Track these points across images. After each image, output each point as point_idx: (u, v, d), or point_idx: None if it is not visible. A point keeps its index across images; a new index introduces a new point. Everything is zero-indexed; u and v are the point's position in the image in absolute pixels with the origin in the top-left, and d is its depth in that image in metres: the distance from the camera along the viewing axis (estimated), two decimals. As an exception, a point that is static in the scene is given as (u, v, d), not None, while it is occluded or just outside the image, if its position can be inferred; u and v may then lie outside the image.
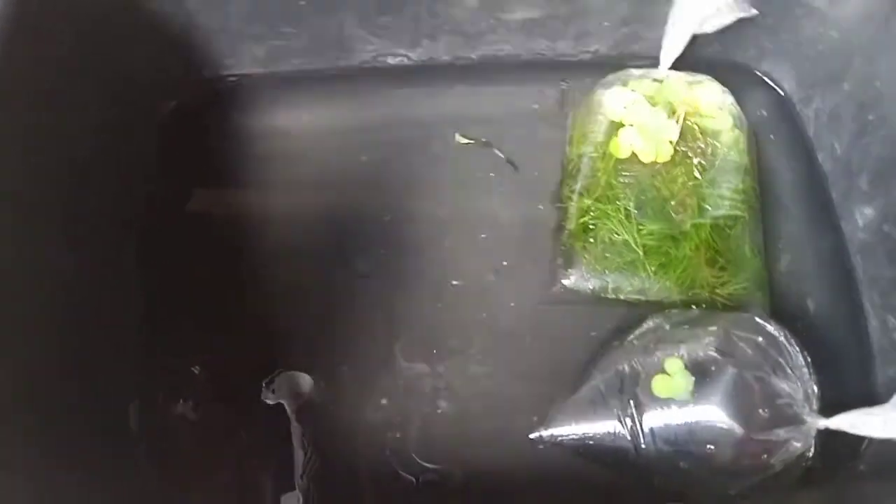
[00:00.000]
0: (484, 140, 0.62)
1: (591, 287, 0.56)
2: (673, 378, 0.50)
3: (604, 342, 0.55)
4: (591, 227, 0.57)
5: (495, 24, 0.60)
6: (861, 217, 0.56)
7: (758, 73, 0.65)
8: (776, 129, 0.63)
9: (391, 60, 0.63)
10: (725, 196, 0.57)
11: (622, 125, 0.58)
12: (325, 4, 0.56)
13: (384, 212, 0.60)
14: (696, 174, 0.57)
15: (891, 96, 0.53)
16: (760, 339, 0.50)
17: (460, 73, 0.64)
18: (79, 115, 0.51)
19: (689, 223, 0.56)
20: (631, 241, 0.56)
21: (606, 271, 0.56)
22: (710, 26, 0.57)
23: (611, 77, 0.60)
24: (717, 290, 0.56)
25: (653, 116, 0.58)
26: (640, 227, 0.56)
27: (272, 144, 0.62)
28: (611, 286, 0.56)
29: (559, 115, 0.63)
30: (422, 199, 0.61)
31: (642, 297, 0.56)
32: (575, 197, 0.58)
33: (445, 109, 0.63)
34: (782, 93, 0.64)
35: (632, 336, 0.54)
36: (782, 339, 0.50)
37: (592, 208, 0.58)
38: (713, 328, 0.51)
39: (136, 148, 0.59)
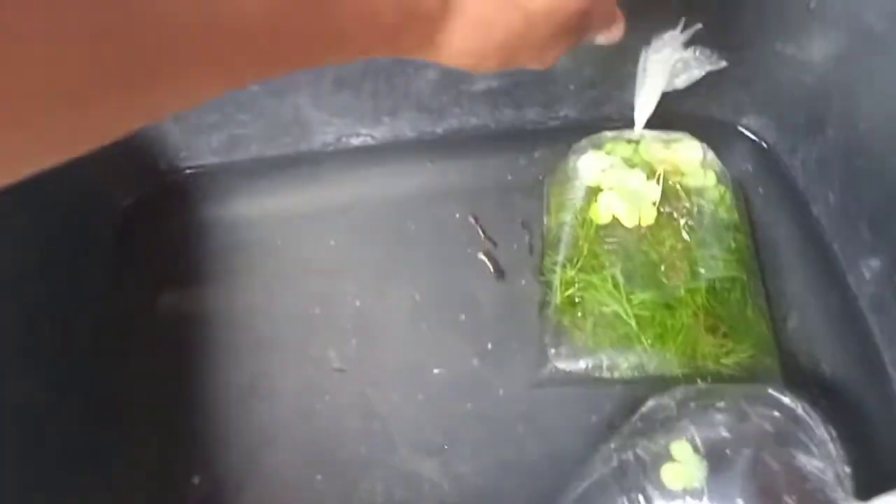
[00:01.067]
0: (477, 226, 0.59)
1: (584, 366, 0.52)
2: (683, 465, 0.44)
3: (604, 428, 0.50)
4: (577, 300, 0.53)
5: (458, 96, 0.57)
6: (868, 270, 0.52)
7: (737, 126, 0.62)
8: (764, 182, 0.60)
9: (354, 141, 0.60)
10: (718, 256, 0.53)
11: (600, 190, 0.55)
12: (278, 87, 0.54)
13: (355, 298, 0.56)
14: (685, 235, 0.54)
15: (878, 138, 0.50)
16: (777, 413, 0.44)
17: (428, 148, 0.61)
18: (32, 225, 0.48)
19: (683, 288, 0.52)
20: (622, 313, 0.52)
21: (599, 347, 0.51)
22: (681, 82, 0.55)
23: (584, 142, 0.58)
24: (723, 360, 0.51)
25: (632, 179, 0.55)
26: (631, 297, 0.52)
27: (234, 235, 0.58)
28: (605, 364, 0.51)
29: (535, 185, 0.60)
30: (395, 281, 0.56)
31: (641, 374, 0.51)
32: (558, 269, 0.54)
33: (415, 187, 0.60)
34: (765, 145, 0.61)
35: (634, 419, 0.48)
36: (801, 412, 0.45)
37: (577, 279, 0.53)
38: (722, 404, 0.46)
39: (94, 249, 0.56)
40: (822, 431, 0.45)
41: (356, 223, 0.59)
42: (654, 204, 0.54)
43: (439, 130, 0.61)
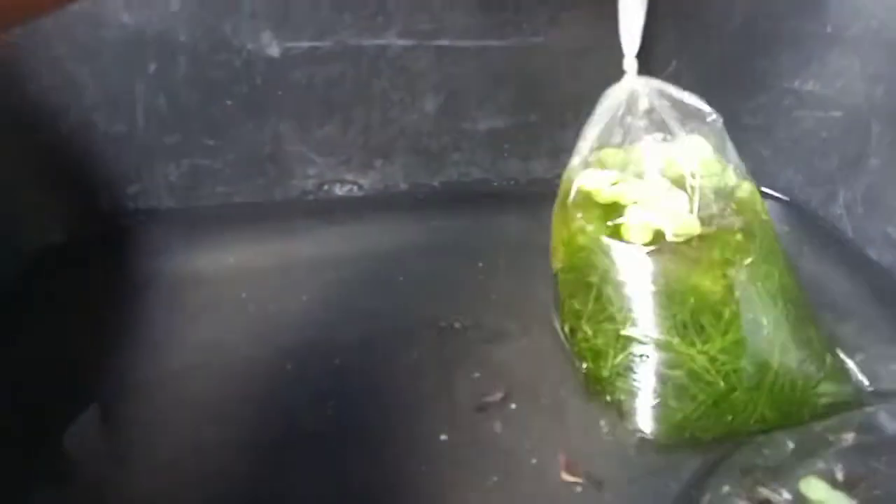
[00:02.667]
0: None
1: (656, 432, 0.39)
2: (827, 509, 0.30)
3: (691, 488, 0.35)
4: (631, 362, 0.41)
5: (459, 137, 0.51)
6: (963, 296, 0.43)
7: (761, 187, 0.56)
8: (807, 240, 0.53)
9: (339, 190, 0.52)
10: (787, 272, 0.43)
11: (620, 205, 0.44)
12: (257, 106, 0.47)
13: (333, 355, 0.43)
14: (746, 243, 0.42)
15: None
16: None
17: (422, 204, 0.53)
18: None
19: (766, 319, 0.41)
20: (704, 373, 0.40)
21: (677, 423, 0.39)
22: None
23: (575, 162, 0.47)
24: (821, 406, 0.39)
25: (655, 187, 0.44)
26: (707, 345, 0.40)
27: (188, 294, 0.46)
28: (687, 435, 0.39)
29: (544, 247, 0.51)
30: (385, 337, 0.44)
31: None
32: (587, 328, 0.43)
33: (407, 244, 0.51)
34: (797, 201, 0.55)
35: (733, 470, 0.34)
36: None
37: (618, 338, 0.41)
38: (856, 421, 0.33)
39: None
40: None
41: (335, 278, 0.48)
42: (692, 212, 0.43)
43: (436, 183, 0.53)
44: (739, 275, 0.42)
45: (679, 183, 0.44)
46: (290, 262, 0.49)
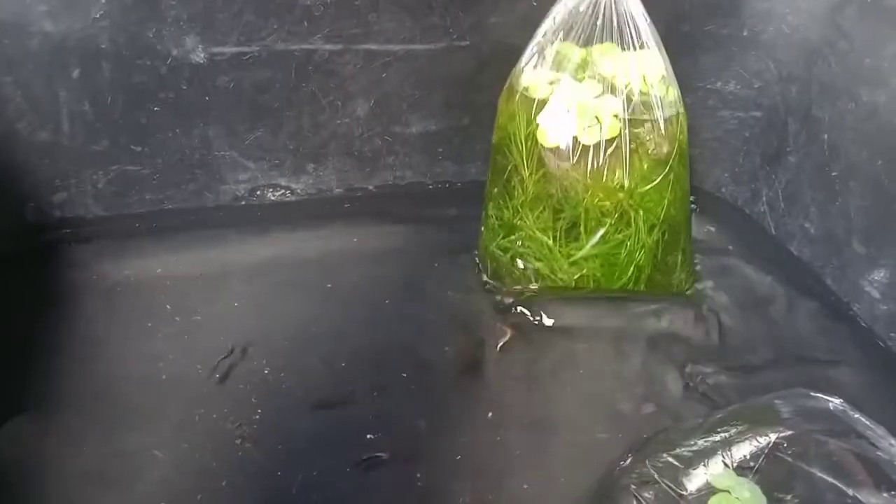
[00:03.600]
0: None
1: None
2: (735, 493, 0.31)
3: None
4: (515, 244, 0.46)
5: (392, 140, 0.52)
6: (874, 287, 0.45)
7: (693, 184, 0.58)
8: (732, 239, 0.54)
9: (272, 196, 0.52)
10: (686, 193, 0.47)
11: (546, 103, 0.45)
12: (184, 111, 0.47)
13: (262, 364, 0.43)
14: (657, 152, 0.44)
15: (846, 141, 0.46)
16: (830, 406, 0.33)
17: (357, 208, 0.53)
18: None
19: (637, 238, 0.44)
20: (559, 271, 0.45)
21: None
22: None
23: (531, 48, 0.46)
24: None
25: (585, 91, 0.45)
26: (573, 252, 0.45)
27: (118, 304, 0.46)
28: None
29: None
30: (313, 343, 0.44)
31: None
32: (491, 206, 0.48)
33: (343, 247, 0.51)
34: (724, 198, 0.57)
35: (642, 464, 0.35)
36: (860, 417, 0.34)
37: (515, 223, 0.46)
38: (763, 416, 0.34)
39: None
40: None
41: (266, 285, 0.48)
42: (616, 117, 0.44)
43: (371, 186, 0.54)
44: (630, 198, 0.44)
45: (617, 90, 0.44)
46: (223, 270, 0.49)
